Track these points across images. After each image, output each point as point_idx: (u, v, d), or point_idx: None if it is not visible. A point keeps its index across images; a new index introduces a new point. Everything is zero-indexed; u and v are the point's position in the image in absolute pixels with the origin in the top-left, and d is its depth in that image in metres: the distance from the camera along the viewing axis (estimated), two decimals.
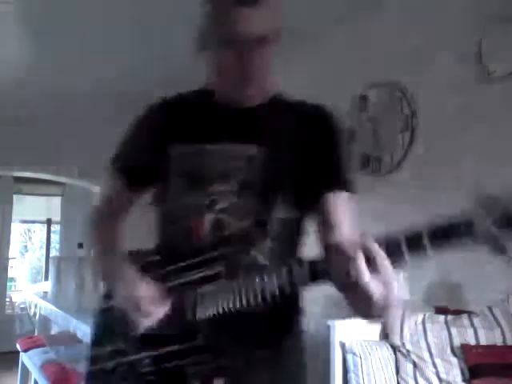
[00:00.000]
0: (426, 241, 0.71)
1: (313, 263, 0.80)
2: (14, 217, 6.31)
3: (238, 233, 0.92)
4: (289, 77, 4.05)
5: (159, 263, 0.97)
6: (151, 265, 0.98)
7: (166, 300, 0.91)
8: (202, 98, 1.05)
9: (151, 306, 0.89)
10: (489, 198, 0.68)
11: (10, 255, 6.56)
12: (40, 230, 8.56)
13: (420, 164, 2.95)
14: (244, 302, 0.83)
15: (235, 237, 0.92)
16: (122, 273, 0.96)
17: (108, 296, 1.05)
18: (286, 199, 0.95)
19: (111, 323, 1.01)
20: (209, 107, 1.03)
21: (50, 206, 7.09)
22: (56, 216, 6.97)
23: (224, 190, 0.95)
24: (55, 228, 7.27)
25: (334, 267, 0.75)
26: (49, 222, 7.19)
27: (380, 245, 0.72)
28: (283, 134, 0.98)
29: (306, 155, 0.97)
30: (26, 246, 9.11)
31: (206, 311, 0.88)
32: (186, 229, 0.97)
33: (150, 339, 0.93)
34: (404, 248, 0.73)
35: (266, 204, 0.93)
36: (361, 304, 0.73)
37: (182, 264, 0.92)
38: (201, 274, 0.90)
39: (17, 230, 8.32)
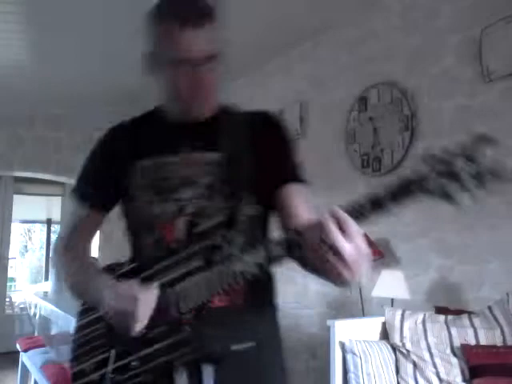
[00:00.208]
0: (386, 199, 0.79)
1: (286, 237, 0.86)
2: (13, 217, 6.31)
3: (209, 229, 0.97)
4: (289, 77, 4.07)
5: (135, 271, 1.00)
6: (127, 274, 1.00)
7: (154, 292, 0.94)
8: (156, 116, 1.11)
9: (145, 308, 0.92)
10: (433, 156, 0.78)
11: (10, 255, 6.55)
12: (40, 230, 8.56)
13: (420, 164, 2.95)
14: (225, 286, 0.89)
15: (207, 233, 0.96)
16: (106, 287, 0.97)
17: (84, 312, 1.08)
18: (249, 197, 1.01)
19: (92, 337, 1.03)
20: (164, 123, 1.08)
21: (50, 205, 7.09)
22: (56, 216, 6.97)
23: (191, 195, 1.01)
24: (55, 228, 7.27)
25: (308, 235, 0.80)
26: (49, 222, 7.19)
27: (347, 211, 0.79)
28: (237, 140, 1.04)
29: (259, 155, 1.03)
30: (26, 246, 9.11)
31: (189, 305, 0.93)
32: (159, 234, 1.02)
33: (137, 341, 0.95)
34: (369, 209, 0.79)
35: (233, 203, 0.99)
36: (333, 270, 0.78)
37: (159, 266, 0.96)
38: (179, 272, 0.94)
39: (17, 230, 8.32)
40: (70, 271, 1.11)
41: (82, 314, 1.09)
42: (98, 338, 1.02)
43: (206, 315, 0.94)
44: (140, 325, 0.92)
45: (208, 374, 0.96)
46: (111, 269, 1.04)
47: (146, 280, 0.96)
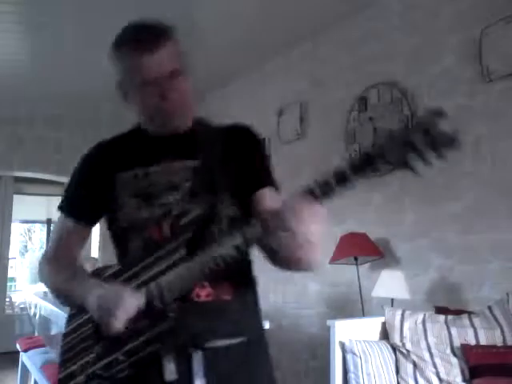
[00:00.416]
0: (350, 173, 0.86)
1: (258, 220, 0.93)
2: (14, 217, 6.31)
3: (191, 224, 1.05)
4: (289, 77, 4.07)
5: (123, 272, 1.06)
6: (115, 276, 1.06)
7: (136, 300, 0.98)
8: (137, 132, 1.18)
9: (128, 309, 0.96)
10: (392, 132, 0.85)
11: (10, 255, 6.56)
12: (40, 230, 8.56)
13: (420, 164, 2.95)
14: (206, 271, 0.95)
15: (190, 228, 1.04)
16: (92, 287, 1.03)
17: (72, 318, 1.12)
18: (228, 198, 1.09)
19: (80, 339, 1.07)
20: (145, 138, 1.15)
21: (50, 206, 7.09)
22: (56, 216, 6.94)
23: (175, 199, 1.08)
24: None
25: (270, 221, 0.89)
26: (49, 222, 7.19)
27: (314, 187, 0.87)
28: (212, 149, 1.12)
29: (232, 163, 1.11)
30: (26, 246, 9.11)
31: (173, 295, 0.98)
32: (148, 235, 1.08)
33: (123, 336, 1.00)
34: (334, 184, 0.87)
35: (217, 205, 1.06)
36: (293, 254, 0.88)
37: (146, 263, 1.02)
38: (163, 265, 1.00)
39: (17, 230, 8.32)
40: (56, 280, 1.16)
41: (70, 320, 1.13)
42: (85, 340, 1.06)
43: (191, 308, 1.00)
44: (122, 324, 0.96)
45: (198, 360, 1.01)
46: (98, 273, 1.09)
47: (133, 278, 1.02)
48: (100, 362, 1.02)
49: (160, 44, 1.03)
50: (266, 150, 1.22)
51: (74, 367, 1.06)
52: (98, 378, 1.01)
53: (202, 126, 1.17)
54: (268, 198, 1.10)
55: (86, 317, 1.05)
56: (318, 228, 0.87)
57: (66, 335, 1.12)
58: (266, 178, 1.15)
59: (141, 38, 1.04)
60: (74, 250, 1.21)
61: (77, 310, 1.10)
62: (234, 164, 1.11)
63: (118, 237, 1.15)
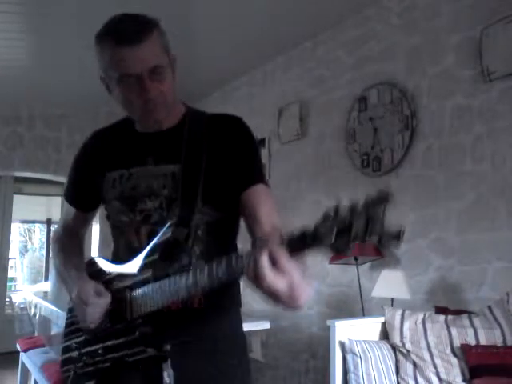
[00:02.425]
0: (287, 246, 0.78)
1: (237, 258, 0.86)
2: (14, 217, 6.30)
3: (169, 240, 1.04)
4: (289, 77, 4.07)
5: (110, 270, 1.13)
6: (100, 272, 1.15)
7: (105, 299, 1.06)
8: (126, 125, 1.18)
9: (94, 311, 1.04)
10: (326, 216, 0.75)
11: (10, 255, 6.55)
12: (40, 230, 8.56)
13: (420, 164, 2.95)
14: (181, 299, 0.96)
15: (166, 244, 1.03)
16: (73, 279, 1.14)
17: (71, 310, 1.22)
18: (210, 203, 1.08)
19: (74, 323, 1.18)
20: (132, 134, 1.16)
21: (50, 205, 7.08)
22: (56, 216, 6.96)
23: (154, 206, 1.09)
24: (55, 228, 7.27)
25: (247, 265, 0.81)
26: (49, 222, 7.18)
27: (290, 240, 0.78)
28: (198, 148, 1.09)
29: (222, 159, 1.09)
30: (25, 246, 9.11)
31: (140, 310, 1.02)
32: (127, 239, 1.12)
33: (99, 334, 1.09)
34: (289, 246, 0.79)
35: (193, 212, 1.06)
36: (270, 298, 0.80)
37: (123, 270, 1.08)
38: (135, 279, 1.04)
39: (17, 229, 8.32)
40: (59, 261, 1.25)
41: (69, 311, 1.24)
42: (76, 331, 1.17)
43: (157, 317, 1.02)
44: (91, 323, 1.05)
45: (167, 367, 1.05)
46: (91, 263, 1.19)
47: (109, 282, 1.10)
48: (85, 349, 1.12)
49: (142, 37, 0.99)
50: (256, 143, 1.16)
51: (68, 354, 1.17)
52: (86, 365, 1.11)
53: (190, 120, 1.14)
54: (258, 197, 1.06)
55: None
56: (302, 278, 0.78)
57: (66, 326, 1.22)
58: (255, 175, 1.10)
59: (122, 31, 0.99)
60: (77, 231, 1.30)
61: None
62: (221, 162, 1.08)
63: (111, 231, 1.21)
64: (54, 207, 6.96)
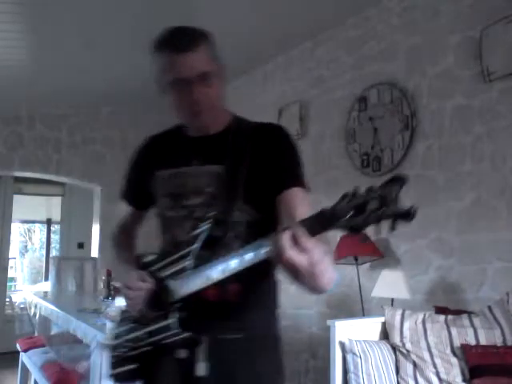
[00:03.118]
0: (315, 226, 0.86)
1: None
2: (14, 217, 6.30)
3: (209, 233, 1.13)
4: (289, 77, 4.07)
5: (156, 261, 1.21)
6: (148, 264, 1.22)
7: (147, 284, 1.14)
8: (178, 131, 1.31)
9: (135, 292, 1.14)
10: (344, 196, 0.84)
11: (10, 255, 6.55)
12: (40, 230, 8.56)
13: (419, 164, 2.95)
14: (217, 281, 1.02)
15: (206, 236, 1.13)
16: (124, 271, 1.25)
17: None
18: (250, 203, 1.17)
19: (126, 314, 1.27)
20: (181, 138, 1.28)
21: (50, 205, 7.08)
22: (56, 216, 6.96)
23: (198, 202, 1.19)
24: (55, 228, 7.26)
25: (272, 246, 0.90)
26: (49, 222, 7.18)
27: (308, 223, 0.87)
28: (241, 152, 1.20)
29: (262, 163, 1.18)
30: (26, 246, 9.11)
31: (179, 295, 1.09)
32: (172, 233, 1.23)
33: (139, 323, 1.17)
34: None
35: (232, 209, 1.15)
36: (292, 274, 0.86)
37: (168, 260, 1.16)
38: (177, 268, 1.13)
39: (17, 229, 8.32)
40: (117, 254, 1.39)
41: None
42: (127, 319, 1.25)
43: (197, 307, 1.09)
44: (135, 305, 1.14)
45: (201, 348, 1.13)
46: (140, 256, 1.26)
47: (152, 271, 1.17)
48: (129, 335, 1.20)
49: (192, 46, 1.12)
50: (296, 150, 1.24)
51: (116, 341, 1.24)
52: (129, 350, 1.18)
53: (236, 128, 1.25)
54: (294, 199, 1.13)
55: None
56: (322, 257, 0.84)
57: (120, 318, 1.30)
58: (291, 179, 1.17)
59: (175, 40, 1.14)
60: (131, 228, 1.43)
61: None
62: (261, 164, 1.18)
63: (158, 227, 1.30)
64: (54, 207, 6.96)
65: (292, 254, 0.82)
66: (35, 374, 3.10)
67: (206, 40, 1.17)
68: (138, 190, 1.35)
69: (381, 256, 2.97)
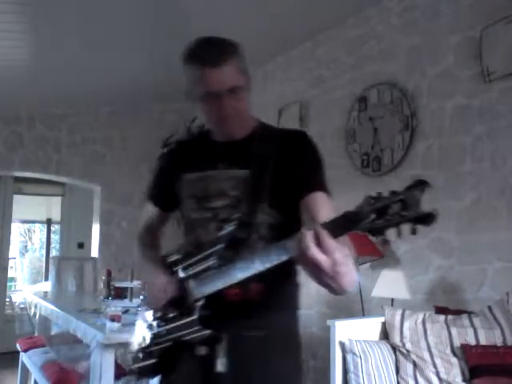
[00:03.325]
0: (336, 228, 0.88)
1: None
2: (14, 217, 6.30)
3: (233, 234, 1.15)
4: (289, 77, 4.07)
5: (180, 261, 1.23)
6: (173, 263, 1.25)
7: (170, 283, 1.17)
8: (203, 135, 1.35)
9: (160, 293, 1.18)
10: (367, 199, 0.87)
11: (10, 255, 6.55)
12: (40, 230, 8.56)
13: (419, 164, 2.95)
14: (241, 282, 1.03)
15: (231, 237, 1.15)
16: (148, 270, 1.30)
17: None
18: (274, 206, 1.19)
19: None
20: (208, 142, 1.32)
21: (50, 205, 7.08)
22: (56, 216, 6.96)
23: (223, 205, 1.22)
24: (55, 228, 7.26)
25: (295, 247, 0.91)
26: (49, 222, 7.18)
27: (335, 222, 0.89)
28: (266, 156, 1.22)
29: (286, 167, 1.21)
30: (26, 246, 9.11)
31: (202, 293, 1.12)
32: (195, 236, 1.26)
33: (161, 319, 1.20)
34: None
35: (256, 212, 1.18)
36: (315, 272, 0.86)
37: (192, 260, 1.18)
38: (200, 267, 1.15)
39: (17, 229, 8.32)
40: (141, 253, 1.42)
41: None
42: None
43: (218, 305, 1.11)
44: (157, 302, 1.18)
45: (221, 344, 1.16)
46: (165, 256, 1.29)
47: (176, 271, 1.19)
48: (151, 331, 1.22)
49: (223, 60, 1.14)
50: (319, 155, 1.29)
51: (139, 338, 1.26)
52: (151, 346, 1.21)
53: (260, 132, 1.28)
54: (316, 203, 1.15)
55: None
56: (344, 258, 0.86)
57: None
58: (314, 183, 1.20)
59: (206, 53, 1.15)
60: (156, 228, 1.46)
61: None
62: (284, 170, 1.20)
63: (182, 229, 1.33)
64: (54, 207, 6.95)
65: (315, 252, 0.83)
66: (35, 374, 3.10)
67: (235, 53, 1.20)
68: (165, 192, 1.38)
69: (381, 256, 2.97)
